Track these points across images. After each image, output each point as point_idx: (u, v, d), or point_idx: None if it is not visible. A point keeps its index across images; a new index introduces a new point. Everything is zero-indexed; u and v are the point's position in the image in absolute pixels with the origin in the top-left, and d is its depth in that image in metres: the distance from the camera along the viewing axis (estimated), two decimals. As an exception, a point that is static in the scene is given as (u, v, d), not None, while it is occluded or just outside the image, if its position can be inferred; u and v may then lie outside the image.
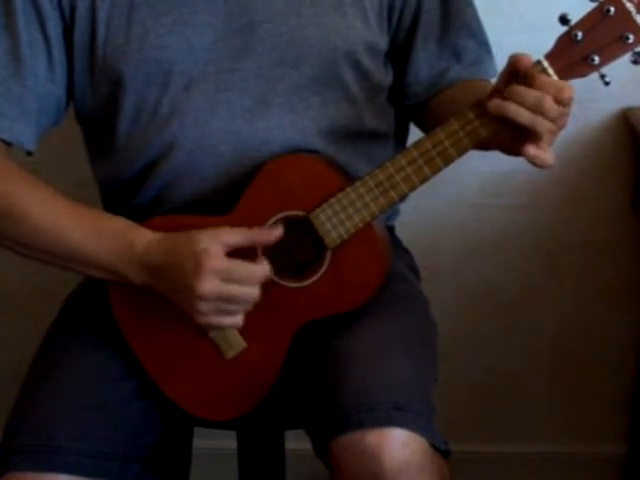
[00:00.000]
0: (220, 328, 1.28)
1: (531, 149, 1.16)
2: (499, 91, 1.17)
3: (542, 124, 1.14)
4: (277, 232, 1.25)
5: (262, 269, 1.23)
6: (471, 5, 1.42)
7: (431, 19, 1.39)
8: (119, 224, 1.28)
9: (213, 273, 1.20)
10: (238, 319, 1.25)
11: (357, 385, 1.19)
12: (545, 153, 1.16)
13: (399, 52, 1.41)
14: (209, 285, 1.20)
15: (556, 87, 1.14)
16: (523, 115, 1.14)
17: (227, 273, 1.21)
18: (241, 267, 1.22)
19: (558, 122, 1.16)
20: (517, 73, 1.16)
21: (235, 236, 1.23)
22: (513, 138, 1.19)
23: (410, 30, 1.39)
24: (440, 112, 1.35)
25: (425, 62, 1.40)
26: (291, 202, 1.26)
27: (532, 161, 1.17)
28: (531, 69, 1.15)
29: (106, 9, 1.29)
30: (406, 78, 1.42)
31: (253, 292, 1.23)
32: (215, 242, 1.22)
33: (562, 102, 1.14)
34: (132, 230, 1.27)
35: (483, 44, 1.42)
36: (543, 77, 1.15)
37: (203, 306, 1.23)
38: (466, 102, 1.21)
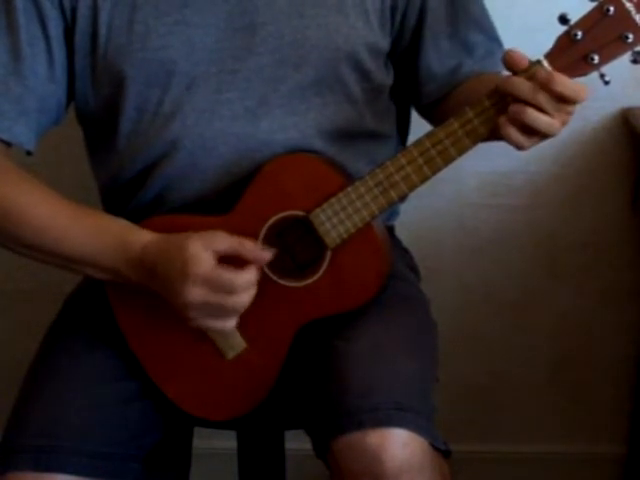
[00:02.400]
0: (212, 330, 1.28)
1: (508, 126, 1.16)
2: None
3: (553, 126, 1.15)
4: (267, 255, 1.23)
5: (246, 277, 1.21)
6: (478, 1, 1.42)
7: (438, 17, 1.38)
8: (118, 225, 1.28)
9: (198, 280, 1.20)
10: (229, 323, 1.24)
11: (357, 385, 1.19)
12: (526, 140, 1.17)
13: (408, 53, 1.41)
14: (194, 293, 1.20)
15: (550, 79, 1.14)
16: (541, 121, 1.15)
17: (212, 281, 1.20)
18: (225, 275, 1.20)
19: (557, 117, 1.16)
20: (514, 71, 1.16)
21: (226, 245, 1.22)
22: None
23: (416, 30, 1.39)
24: (454, 109, 1.34)
25: (437, 60, 1.39)
26: (291, 202, 1.26)
27: (507, 138, 1.17)
28: (528, 71, 1.15)
29: (107, 9, 1.29)
30: (420, 78, 1.41)
31: (238, 300, 1.21)
32: (206, 249, 1.20)
33: (559, 96, 1.14)
34: (131, 231, 1.27)
35: (493, 37, 1.42)
36: (542, 72, 1.15)
37: (190, 312, 1.22)
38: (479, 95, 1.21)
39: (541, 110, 1.14)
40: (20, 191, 1.29)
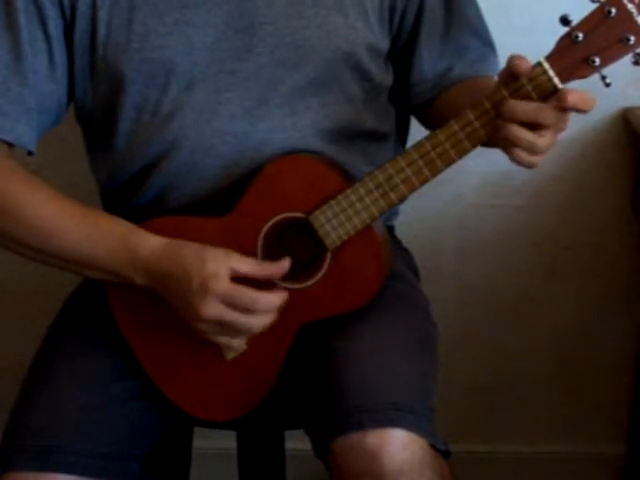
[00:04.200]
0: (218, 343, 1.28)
1: (520, 154, 1.16)
2: (499, 90, 1.17)
3: (549, 141, 1.15)
4: (285, 265, 1.24)
5: (268, 300, 1.22)
6: (474, 4, 1.42)
7: (434, 19, 1.39)
8: (122, 226, 1.28)
9: (218, 298, 1.20)
10: (237, 342, 1.26)
11: (357, 385, 1.19)
12: (535, 158, 1.17)
13: (403, 52, 1.41)
14: (212, 309, 1.20)
15: (565, 98, 1.14)
16: (543, 140, 1.15)
17: (231, 299, 1.20)
18: (246, 296, 1.21)
19: (559, 126, 1.16)
20: (516, 77, 1.16)
21: (245, 266, 1.22)
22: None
23: (413, 30, 1.39)
24: (446, 111, 1.34)
25: (429, 61, 1.40)
26: (291, 203, 1.26)
27: (517, 163, 1.17)
28: (529, 73, 1.15)
29: (107, 8, 1.29)
30: (411, 78, 1.42)
31: (255, 321, 1.22)
32: (224, 266, 1.21)
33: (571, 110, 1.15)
34: (135, 233, 1.27)
35: (487, 42, 1.42)
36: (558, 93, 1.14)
37: (203, 326, 1.23)
38: (471, 100, 1.21)
39: (543, 126, 1.14)
40: (23, 191, 1.29)
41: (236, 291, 1.20)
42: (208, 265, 1.21)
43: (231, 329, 1.23)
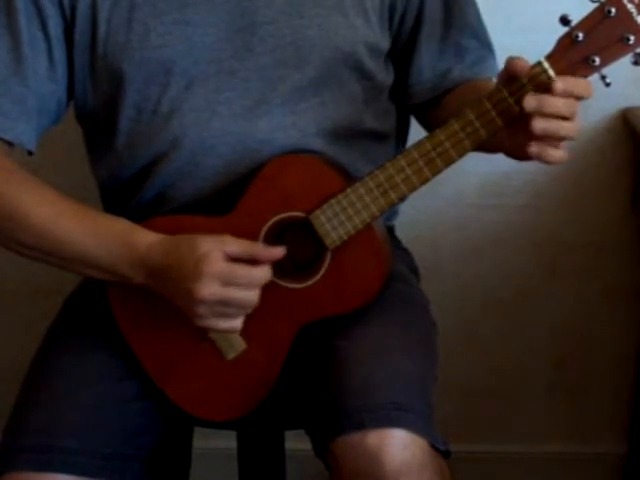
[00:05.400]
0: (219, 332, 1.28)
1: (534, 147, 1.16)
2: (499, 91, 1.17)
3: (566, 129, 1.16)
4: (279, 252, 1.24)
5: (262, 273, 1.23)
6: (473, 5, 1.42)
7: (434, 20, 1.39)
8: (120, 225, 1.28)
9: (213, 277, 1.20)
10: (237, 323, 1.25)
11: (357, 385, 1.19)
12: (556, 150, 1.16)
13: (402, 53, 1.41)
14: (208, 289, 1.20)
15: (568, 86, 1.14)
16: (566, 126, 1.15)
17: (227, 277, 1.21)
18: (241, 271, 1.21)
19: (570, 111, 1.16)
20: (515, 77, 1.16)
21: (237, 247, 1.23)
22: (513, 139, 1.19)
23: (413, 31, 1.39)
24: (448, 114, 1.34)
25: (428, 62, 1.40)
26: (291, 203, 1.26)
27: (541, 159, 1.17)
28: (529, 72, 1.15)
29: (107, 8, 1.29)
30: (409, 79, 1.42)
31: (252, 296, 1.23)
32: (217, 248, 1.21)
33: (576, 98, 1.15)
34: (133, 231, 1.27)
35: (485, 44, 1.42)
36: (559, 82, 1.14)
37: (202, 310, 1.22)
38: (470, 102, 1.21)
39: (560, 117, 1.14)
40: (22, 191, 1.29)
41: (230, 268, 1.21)
42: (201, 249, 1.21)
43: (230, 307, 1.23)
